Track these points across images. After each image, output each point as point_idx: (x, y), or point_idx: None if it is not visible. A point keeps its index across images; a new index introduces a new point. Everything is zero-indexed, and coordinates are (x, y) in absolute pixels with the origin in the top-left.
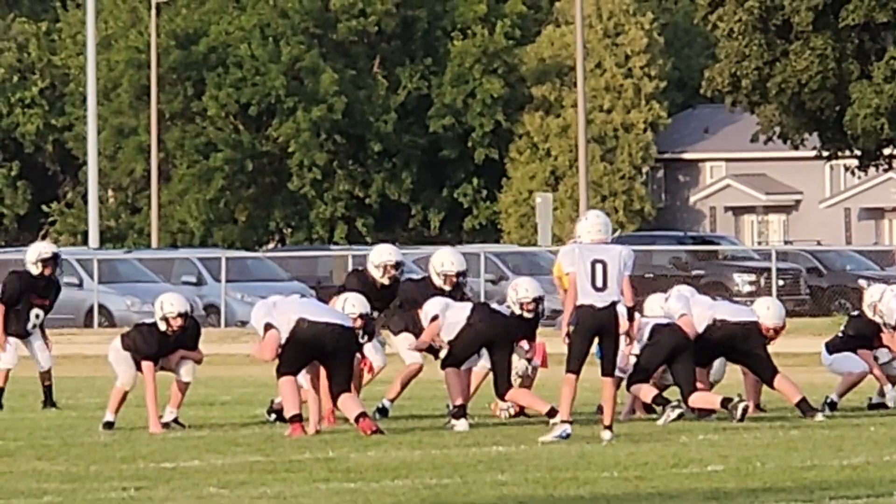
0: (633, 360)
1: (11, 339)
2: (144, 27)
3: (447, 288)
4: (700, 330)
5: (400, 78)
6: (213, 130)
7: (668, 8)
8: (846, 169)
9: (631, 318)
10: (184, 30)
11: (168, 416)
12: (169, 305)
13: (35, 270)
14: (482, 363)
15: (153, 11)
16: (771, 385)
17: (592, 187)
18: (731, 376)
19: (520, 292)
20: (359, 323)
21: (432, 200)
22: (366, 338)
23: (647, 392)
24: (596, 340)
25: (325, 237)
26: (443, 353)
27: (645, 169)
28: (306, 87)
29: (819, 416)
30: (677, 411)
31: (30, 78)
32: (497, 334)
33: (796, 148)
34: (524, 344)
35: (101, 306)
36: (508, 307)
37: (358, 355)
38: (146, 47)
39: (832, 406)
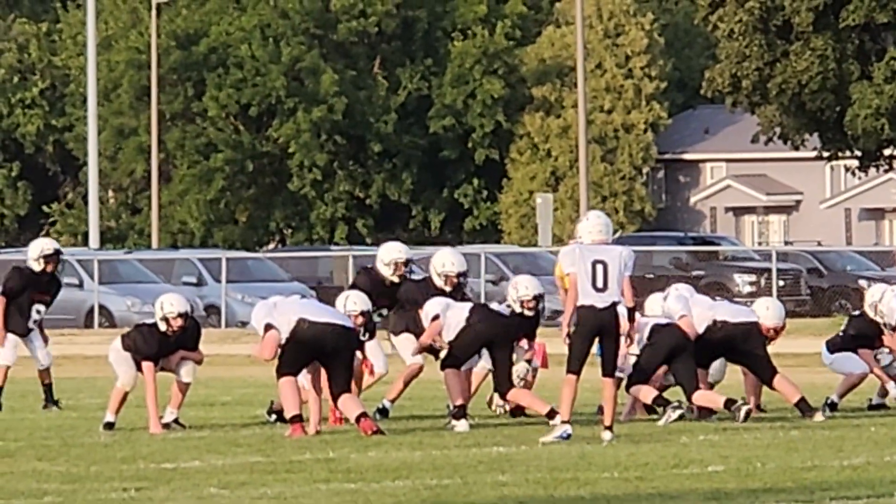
0: (632, 360)
1: (10, 336)
2: (145, 28)
3: (448, 289)
4: (700, 331)
5: (400, 78)
6: (213, 131)
7: (669, 8)
8: (846, 169)
9: (631, 319)
10: (184, 30)
11: (168, 416)
12: (169, 306)
13: (37, 267)
14: (482, 363)
15: (153, 12)
16: (770, 385)
17: (593, 188)
18: (731, 377)
19: (520, 290)
20: (360, 321)
21: (433, 201)
22: (367, 336)
23: (646, 393)
24: (596, 341)
25: (325, 238)
26: (443, 354)
27: (645, 169)
28: (307, 87)
29: (818, 416)
30: (678, 412)
31: (30, 78)
32: (497, 334)
33: (797, 148)
34: (524, 344)
35: (101, 307)
36: (509, 306)
37: (359, 355)
38: (146, 48)
39: (832, 407)
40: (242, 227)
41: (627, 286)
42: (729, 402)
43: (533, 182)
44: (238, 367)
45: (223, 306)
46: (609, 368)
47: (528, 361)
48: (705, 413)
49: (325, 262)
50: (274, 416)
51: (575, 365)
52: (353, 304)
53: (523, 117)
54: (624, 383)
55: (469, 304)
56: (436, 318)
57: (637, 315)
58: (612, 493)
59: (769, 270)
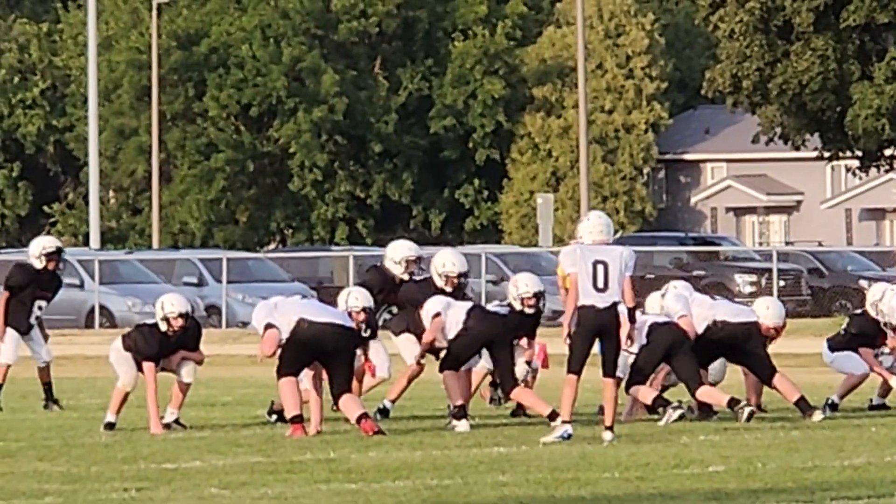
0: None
1: (12, 334)
2: (145, 28)
3: (448, 289)
4: (700, 330)
5: (401, 79)
6: (214, 131)
7: (669, 9)
8: (847, 170)
9: (632, 320)
10: (185, 30)
11: (169, 416)
12: (170, 305)
13: (39, 265)
14: (482, 363)
15: (154, 12)
16: (769, 384)
17: (593, 188)
18: (731, 377)
19: (520, 287)
20: (362, 316)
21: (433, 201)
22: (368, 332)
23: (646, 393)
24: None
25: (326, 238)
26: (442, 354)
27: (646, 170)
28: (307, 87)
29: (817, 415)
30: (678, 412)
31: (31, 79)
32: (495, 335)
33: (797, 149)
34: (524, 343)
35: (102, 307)
36: (509, 304)
37: (361, 357)
38: (147, 48)
39: (833, 407)
40: (243, 227)
41: (628, 286)
42: (733, 402)
43: (534, 182)
44: (239, 368)
45: (224, 307)
46: (609, 369)
47: (528, 363)
48: (705, 412)
49: (325, 262)
50: (274, 417)
51: (575, 365)
52: (354, 299)
53: (524, 117)
54: (623, 384)
55: (469, 304)
56: (436, 315)
57: (638, 314)
58: (613, 493)
59: (770, 271)
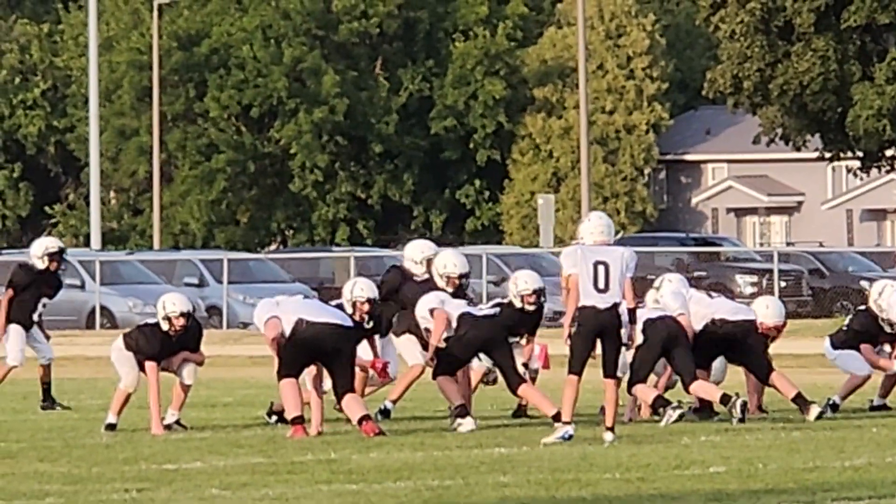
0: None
1: (17, 333)
2: (146, 28)
3: (449, 290)
4: (698, 328)
5: (402, 79)
6: (214, 132)
7: (670, 9)
8: (848, 170)
9: (633, 321)
10: (185, 31)
11: (170, 417)
12: (171, 305)
13: (41, 265)
14: (482, 363)
15: (155, 13)
16: (767, 382)
17: (594, 189)
18: (731, 377)
19: (520, 285)
20: (366, 307)
21: (434, 202)
22: (371, 323)
23: (647, 394)
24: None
25: (326, 239)
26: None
27: (647, 170)
28: (308, 88)
29: (815, 410)
30: (678, 412)
31: (32, 79)
32: (489, 338)
33: (798, 149)
34: (523, 342)
35: (102, 308)
36: (498, 303)
37: (371, 357)
38: (148, 49)
39: (834, 408)
40: (244, 227)
41: (629, 287)
42: (725, 398)
43: (534, 183)
44: (240, 369)
45: (225, 307)
46: (610, 369)
47: (525, 365)
48: (705, 412)
49: (326, 262)
50: (274, 418)
51: (576, 366)
52: (360, 290)
53: (525, 118)
54: (624, 384)
55: (463, 302)
56: (433, 310)
57: (638, 314)
58: (614, 494)
59: (771, 271)
